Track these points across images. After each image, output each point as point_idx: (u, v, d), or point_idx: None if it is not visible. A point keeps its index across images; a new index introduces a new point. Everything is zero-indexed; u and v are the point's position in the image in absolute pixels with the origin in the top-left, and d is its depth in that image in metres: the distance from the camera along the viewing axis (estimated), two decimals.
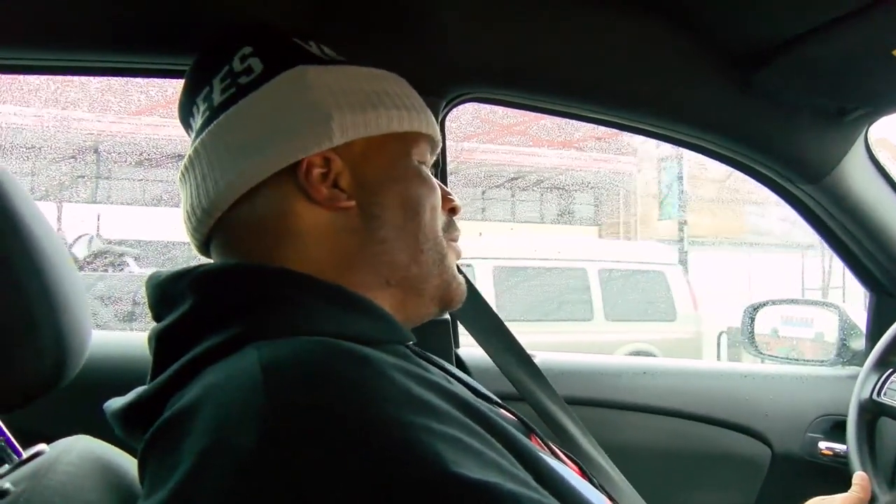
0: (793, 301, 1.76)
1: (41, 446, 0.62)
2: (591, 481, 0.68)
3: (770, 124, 1.16)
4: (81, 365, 0.60)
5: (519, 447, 0.52)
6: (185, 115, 0.71)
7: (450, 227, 0.71)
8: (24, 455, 0.61)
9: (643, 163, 9.35)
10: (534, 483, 0.48)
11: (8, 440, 0.63)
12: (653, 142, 8.83)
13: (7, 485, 0.55)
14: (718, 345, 6.96)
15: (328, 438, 0.43)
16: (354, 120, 0.64)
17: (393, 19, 1.02)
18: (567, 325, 5.69)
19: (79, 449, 0.62)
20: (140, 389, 0.57)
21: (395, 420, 0.45)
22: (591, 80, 1.13)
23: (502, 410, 0.66)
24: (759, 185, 1.29)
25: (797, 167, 1.19)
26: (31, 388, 0.56)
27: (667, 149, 8.74)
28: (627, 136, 8.80)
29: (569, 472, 0.58)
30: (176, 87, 0.74)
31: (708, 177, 9.09)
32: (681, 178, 8.71)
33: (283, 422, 0.44)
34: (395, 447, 0.44)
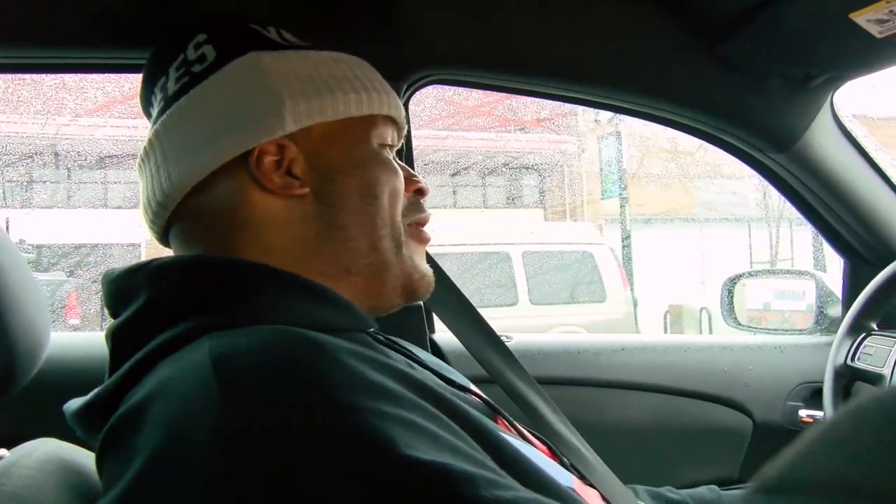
0: (770, 272, 1.77)
1: (1, 451, 0.61)
2: (561, 461, 0.68)
3: (739, 95, 1.16)
4: (37, 369, 0.59)
5: (480, 429, 0.52)
6: (146, 106, 0.70)
7: (413, 209, 0.69)
8: None
9: (587, 141, 9.22)
10: (492, 464, 0.47)
11: None
12: (594, 120, 8.73)
13: None
14: (665, 323, 6.96)
15: (280, 428, 0.43)
16: (309, 106, 0.63)
17: (353, 2, 1.00)
18: (490, 311, 5.43)
19: (40, 453, 0.61)
20: (98, 389, 0.56)
21: (347, 405, 0.44)
22: (558, 57, 1.13)
23: (471, 395, 0.66)
24: (730, 157, 1.30)
25: (767, 136, 1.20)
26: None
27: (606, 126, 8.63)
28: (570, 116, 8.64)
29: (534, 453, 0.58)
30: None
31: (655, 152, 9.04)
32: (620, 154, 8.57)
33: (235, 414, 0.44)
34: (347, 432, 0.43)
